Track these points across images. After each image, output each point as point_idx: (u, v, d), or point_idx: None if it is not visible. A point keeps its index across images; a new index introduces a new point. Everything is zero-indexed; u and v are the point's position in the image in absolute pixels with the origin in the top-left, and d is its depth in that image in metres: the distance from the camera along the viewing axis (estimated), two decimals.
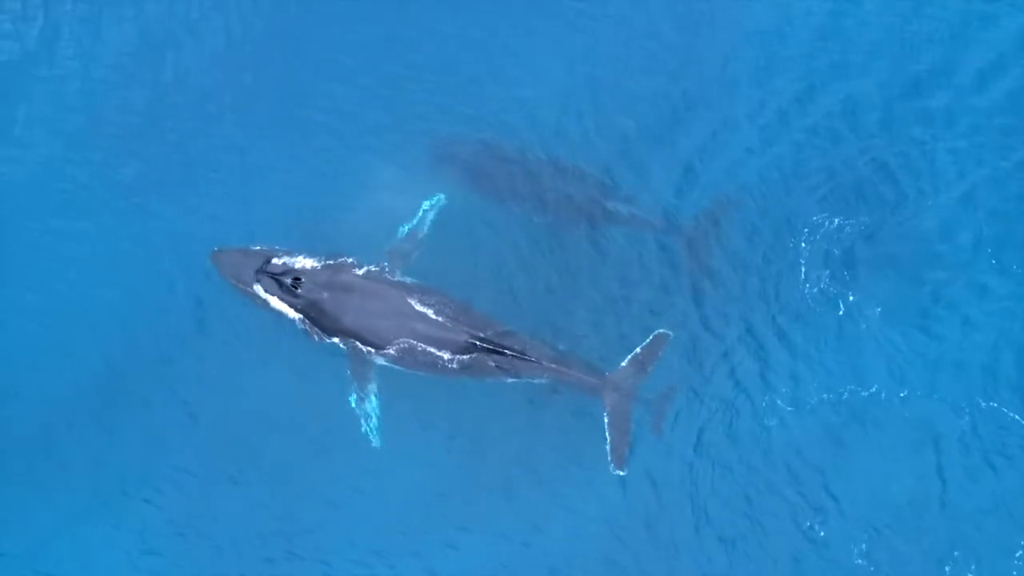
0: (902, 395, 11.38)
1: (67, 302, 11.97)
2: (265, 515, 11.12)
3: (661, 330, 11.03)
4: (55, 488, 11.28)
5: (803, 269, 11.85)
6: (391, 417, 11.12)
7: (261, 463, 11.29)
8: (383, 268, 11.10)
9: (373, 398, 10.97)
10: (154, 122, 12.70)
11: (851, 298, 11.73)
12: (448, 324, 10.71)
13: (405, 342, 10.72)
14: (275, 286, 10.89)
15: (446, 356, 10.70)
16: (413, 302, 10.79)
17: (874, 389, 11.44)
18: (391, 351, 10.79)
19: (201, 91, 12.87)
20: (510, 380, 10.90)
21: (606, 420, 10.76)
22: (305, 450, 11.30)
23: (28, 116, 12.75)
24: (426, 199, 11.62)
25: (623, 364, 10.85)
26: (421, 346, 10.71)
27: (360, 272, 10.99)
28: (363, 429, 10.96)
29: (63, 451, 11.40)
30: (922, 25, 13.06)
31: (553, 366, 10.70)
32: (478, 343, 10.63)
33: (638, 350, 10.89)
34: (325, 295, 10.83)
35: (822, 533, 11.04)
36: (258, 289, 11.00)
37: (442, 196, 11.68)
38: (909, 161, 12.32)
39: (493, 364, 10.69)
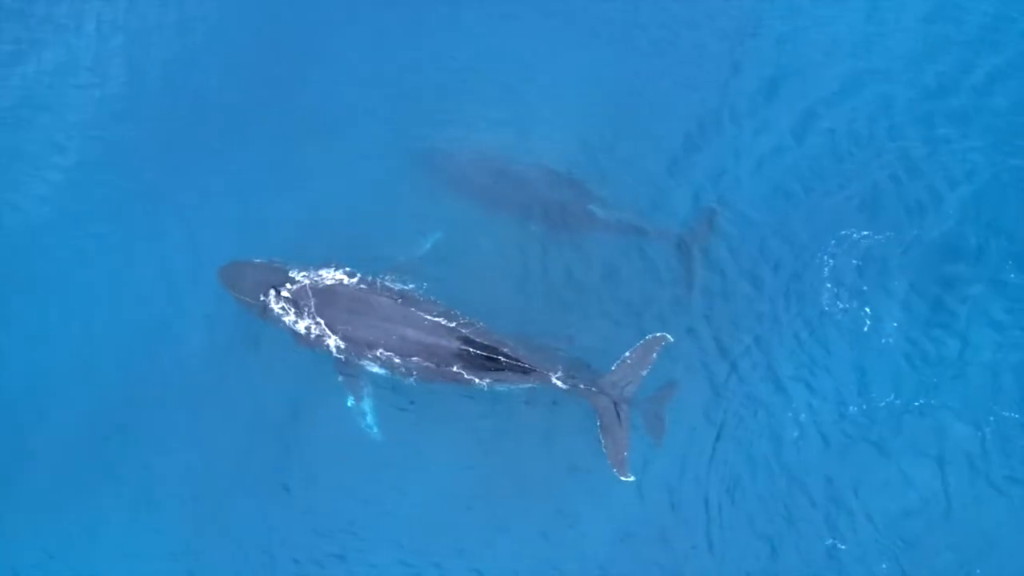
0: (918, 403, 11.09)
1: (108, 306, 12.29)
2: (310, 519, 11.23)
3: (656, 334, 10.83)
4: (101, 498, 11.49)
5: (826, 282, 11.63)
6: (433, 420, 11.32)
7: (304, 469, 11.42)
8: (376, 279, 11.29)
9: (367, 398, 11.17)
10: (179, 132, 13.17)
11: (869, 310, 11.47)
12: (436, 330, 10.75)
13: (393, 348, 10.80)
14: (271, 296, 11.21)
15: (434, 363, 10.74)
16: (402, 308, 10.88)
17: (897, 401, 11.12)
18: (380, 356, 10.89)
19: (221, 103, 13.32)
20: (501, 387, 10.92)
21: (598, 425, 10.60)
22: (345, 454, 11.39)
23: (70, 123, 13.33)
24: (425, 235, 11.82)
25: (612, 368, 10.69)
26: (409, 352, 10.78)
27: (354, 281, 11.22)
28: (362, 427, 11.15)
29: (109, 460, 11.62)
30: (940, 29, 12.89)
31: (542, 372, 10.61)
32: (469, 350, 10.64)
33: (627, 354, 10.70)
34: (315, 303, 11.06)
35: (842, 547, 10.71)
36: (257, 300, 11.33)
37: (438, 234, 11.83)
38: (931, 170, 12.10)
39: (480, 370, 10.69)
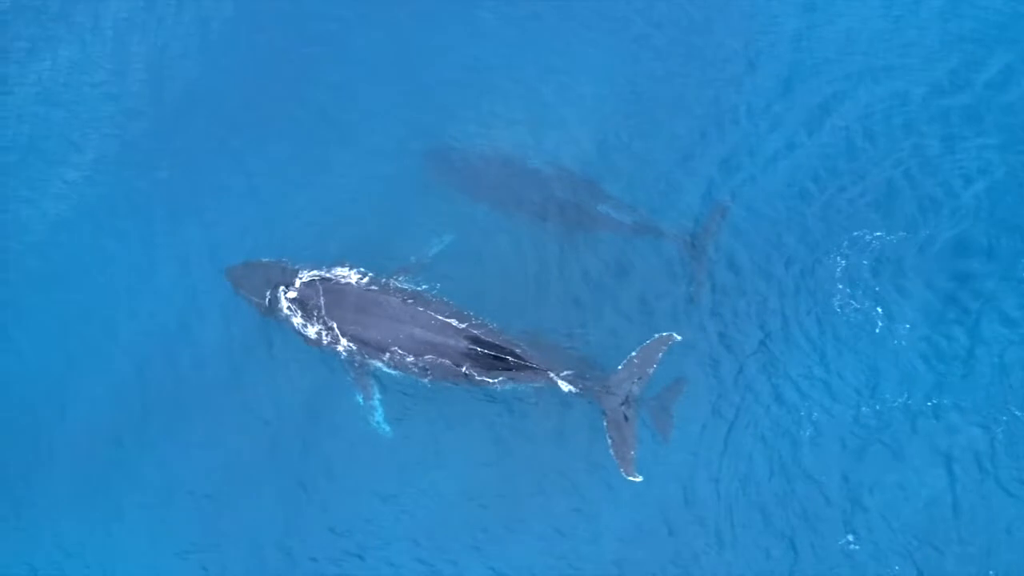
0: (931, 403, 11.07)
1: (125, 304, 12.35)
2: (328, 517, 11.29)
3: (663, 332, 10.82)
4: (118, 496, 11.57)
5: (839, 282, 11.63)
6: (449, 419, 11.36)
7: (321, 468, 11.47)
8: (387, 279, 11.33)
9: (376, 396, 11.22)
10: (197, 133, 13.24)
11: (881, 310, 11.47)
12: (445, 330, 10.78)
13: (402, 347, 10.85)
14: (279, 295, 11.27)
15: (444, 362, 10.77)
16: (411, 308, 10.92)
17: (910, 401, 11.10)
18: (389, 356, 10.94)
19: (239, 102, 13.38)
20: (509, 387, 10.98)
21: (605, 425, 10.61)
22: (362, 453, 11.44)
23: (86, 121, 13.39)
24: (438, 235, 11.89)
25: (619, 368, 10.69)
26: (417, 352, 10.82)
27: (364, 281, 11.26)
28: (371, 425, 11.22)
29: (126, 459, 11.69)
30: (955, 26, 12.88)
31: (549, 372, 10.64)
32: (477, 349, 10.67)
33: (634, 353, 10.70)
34: (324, 302, 11.11)
35: (856, 547, 10.70)
36: (264, 299, 11.42)
37: (450, 236, 11.88)
38: (946, 168, 12.10)
39: (488, 370, 10.72)
